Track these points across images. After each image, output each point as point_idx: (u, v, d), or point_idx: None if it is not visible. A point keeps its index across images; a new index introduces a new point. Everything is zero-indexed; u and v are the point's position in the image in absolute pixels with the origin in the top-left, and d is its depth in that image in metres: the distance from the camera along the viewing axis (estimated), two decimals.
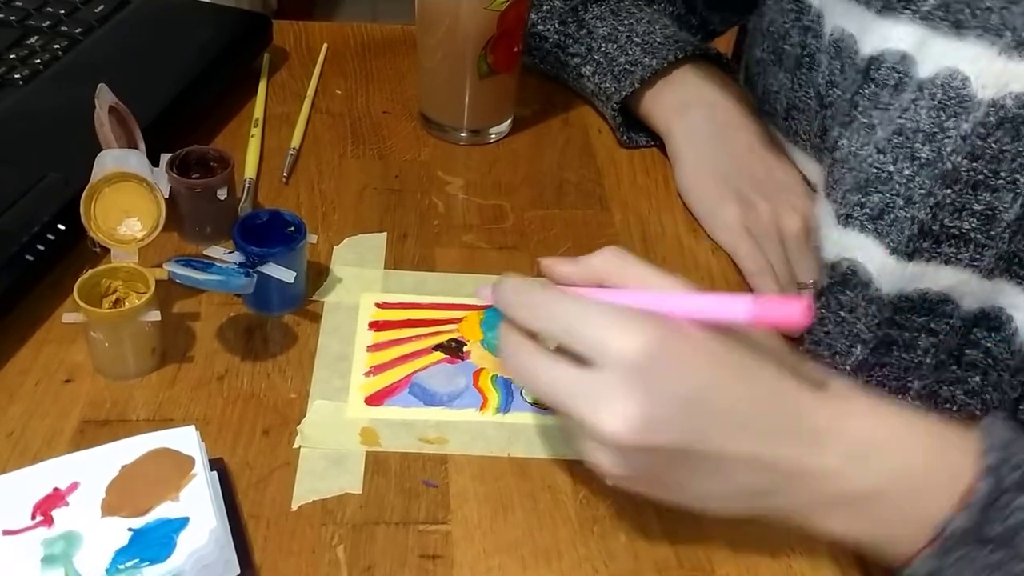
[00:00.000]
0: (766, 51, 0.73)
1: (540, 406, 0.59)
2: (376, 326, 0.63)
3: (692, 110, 0.75)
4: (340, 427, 0.57)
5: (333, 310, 0.64)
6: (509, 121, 0.81)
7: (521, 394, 0.59)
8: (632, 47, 0.78)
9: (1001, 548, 0.46)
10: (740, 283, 0.69)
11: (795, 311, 0.45)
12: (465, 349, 0.62)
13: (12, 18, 0.80)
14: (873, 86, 0.60)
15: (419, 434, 0.57)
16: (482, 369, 0.61)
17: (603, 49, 0.79)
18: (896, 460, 0.48)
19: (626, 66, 0.77)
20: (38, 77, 0.74)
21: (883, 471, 0.48)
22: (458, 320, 0.64)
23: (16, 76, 0.74)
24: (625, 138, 0.80)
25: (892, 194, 0.59)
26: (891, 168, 0.59)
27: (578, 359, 0.46)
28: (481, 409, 0.58)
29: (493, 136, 0.80)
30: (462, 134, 0.79)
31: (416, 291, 0.66)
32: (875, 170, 0.60)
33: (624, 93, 0.77)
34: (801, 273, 0.69)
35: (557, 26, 0.83)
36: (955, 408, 0.64)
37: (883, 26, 0.59)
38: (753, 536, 0.53)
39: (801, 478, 0.48)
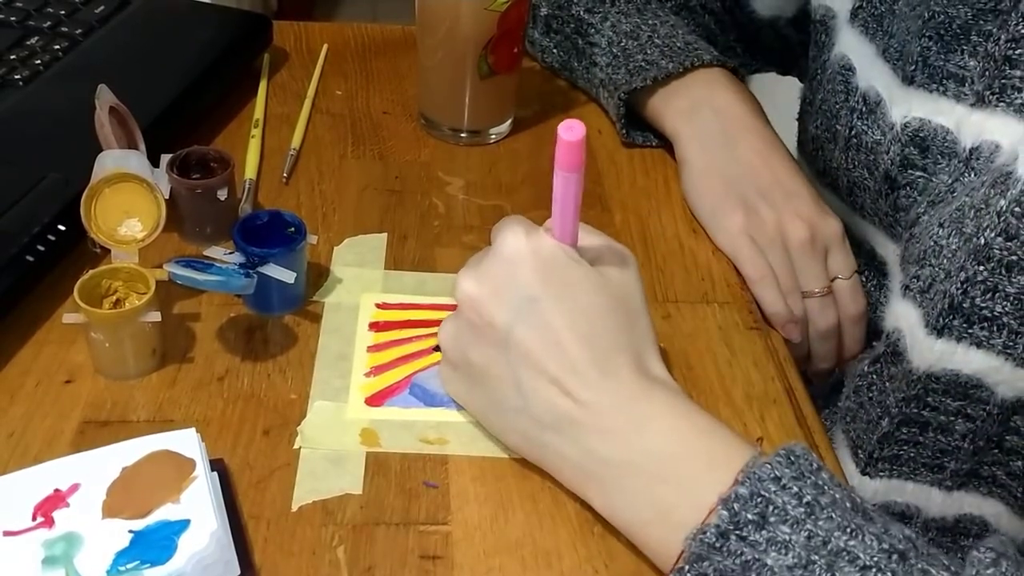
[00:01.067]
0: (820, 128, 0.72)
1: None
2: (376, 327, 0.63)
3: (702, 113, 0.75)
4: (340, 428, 0.57)
5: (333, 311, 0.64)
6: (509, 121, 0.81)
7: None
8: (652, 48, 0.78)
9: None
10: (740, 285, 0.69)
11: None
12: None
13: (12, 19, 0.80)
14: (972, 174, 0.60)
15: (419, 435, 0.57)
16: None
17: (622, 44, 0.79)
18: (664, 445, 0.49)
19: (642, 63, 0.77)
20: (38, 78, 0.74)
21: (648, 450, 0.49)
22: None
23: (16, 77, 0.74)
24: (624, 132, 0.79)
25: (939, 267, 0.58)
26: (944, 242, 0.59)
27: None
28: None
29: (493, 136, 0.80)
30: (462, 134, 0.79)
31: (416, 292, 0.66)
32: (932, 243, 0.59)
33: (634, 86, 0.77)
34: (806, 282, 0.69)
35: (582, 13, 0.83)
36: (996, 487, 0.63)
37: (981, 119, 0.59)
38: None
39: (583, 425, 0.50)
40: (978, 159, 0.59)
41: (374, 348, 0.62)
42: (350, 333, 0.62)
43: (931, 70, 0.61)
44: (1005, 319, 0.56)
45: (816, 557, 0.44)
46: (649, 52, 0.78)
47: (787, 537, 0.44)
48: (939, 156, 0.62)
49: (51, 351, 0.59)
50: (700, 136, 0.74)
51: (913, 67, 0.62)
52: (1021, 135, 0.57)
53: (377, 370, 0.60)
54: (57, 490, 0.49)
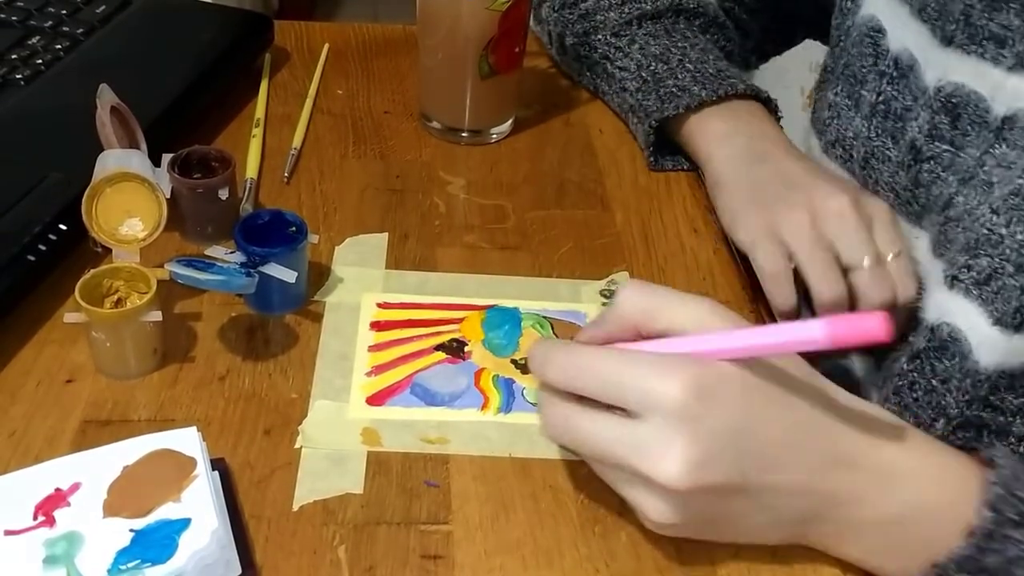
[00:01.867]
0: (840, 95, 0.69)
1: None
2: (377, 326, 0.63)
3: (736, 139, 0.73)
4: (341, 427, 0.57)
5: (334, 310, 0.64)
6: (510, 121, 0.81)
7: (523, 394, 0.59)
8: (683, 72, 0.76)
9: None
10: (741, 285, 0.69)
11: (873, 325, 0.43)
12: (466, 349, 0.62)
13: (14, 18, 0.80)
14: (1005, 146, 0.57)
15: (420, 434, 0.57)
16: (483, 369, 0.61)
17: (652, 68, 0.78)
18: (915, 491, 0.49)
19: (673, 89, 0.76)
20: (39, 77, 0.75)
21: (903, 501, 0.49)
22: (459, 320, 0.64)
23: (18, 76, 0.74)
24: (652, 159, 0.78)
25: (1002, 259, 0.56)
26: (1003, 230, 0.56)
27: (623, 412, 0.47)
28: (482, 409, 0.58)
29: (494, 136, 0.80)
30: (463, 134, 0.79)
31: (417, 291, 0.66)
32: (986, 231, 0.56)
33: (666, 114, 0.75)
34: (850, 255, 0.63)
35: (609, 37, 0.81)
36: None
37: (1017, 83, 0.56)
38: None
39: (836, 503, 0.49)
40: (1011, 129, 0.57)
41: (375, 347, 0.62)
42: (351, 332, 0.62)
43: (972, 29, 0.58)
44: None
45: None
46: (680, 77, 0.76)
47: None
48: (968, 127, 0.59)
49: (52, 351, 0.59)
50: (734, 157, 0.72)
51: (953, 26, 0.59)
52: None
53: (378, 369, 0.60)
54: (58, 489, 0.49)
